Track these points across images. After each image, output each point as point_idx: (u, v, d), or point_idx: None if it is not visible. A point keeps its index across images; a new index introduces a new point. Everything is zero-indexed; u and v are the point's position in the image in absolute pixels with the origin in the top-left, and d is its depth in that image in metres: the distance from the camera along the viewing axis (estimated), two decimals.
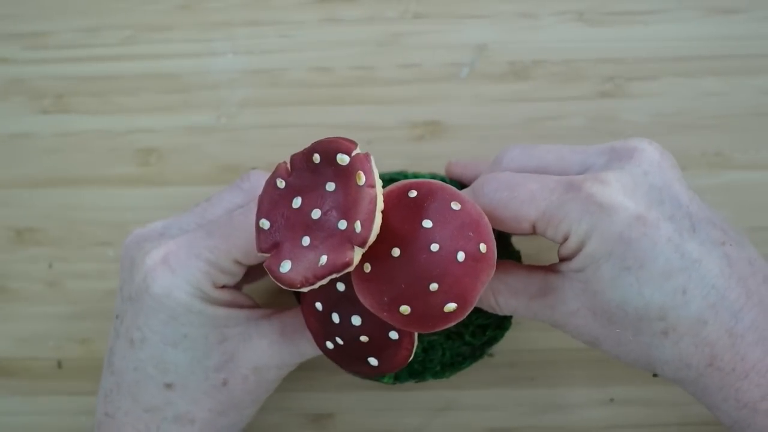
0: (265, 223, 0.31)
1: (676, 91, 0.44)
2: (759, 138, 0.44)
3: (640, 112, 0.44)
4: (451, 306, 0.30)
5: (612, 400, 0.43)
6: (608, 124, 0.44)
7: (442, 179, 0.41)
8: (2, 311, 0.45)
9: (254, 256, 0.33)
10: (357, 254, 0.29)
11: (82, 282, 0.45)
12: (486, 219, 0.31)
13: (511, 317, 0.39)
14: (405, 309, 0.30)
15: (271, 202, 0.31)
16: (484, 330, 0.39)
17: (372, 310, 0.30)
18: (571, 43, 0.45)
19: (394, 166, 0.44)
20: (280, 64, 0.45)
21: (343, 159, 0.30)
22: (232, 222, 0.34)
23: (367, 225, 0.29)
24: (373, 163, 0.30)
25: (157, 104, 0.45)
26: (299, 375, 0.43)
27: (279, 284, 0.29)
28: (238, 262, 0.34)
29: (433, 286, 0.30)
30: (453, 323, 0.30)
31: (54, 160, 0.45)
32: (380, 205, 0.29)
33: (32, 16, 0.46)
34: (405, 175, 0.41)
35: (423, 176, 0.41)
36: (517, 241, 0.41)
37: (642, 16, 0.45)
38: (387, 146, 0.44)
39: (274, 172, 0.31)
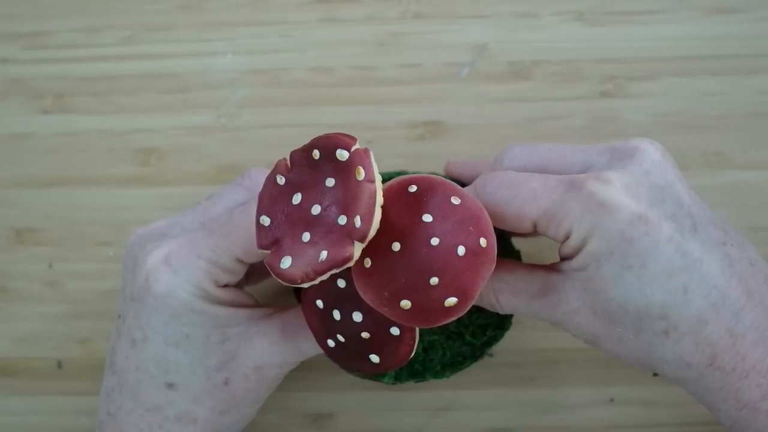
0: (266, 220, 0.31)
1: (676, 91, 0.44)
2: (759, 138, 0.44)
3: (640, 112, 0.44)
4: (451, 300, 0.30)
5: (612, 400, 0.43)
6: (608, 124, 0.44)
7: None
8: (2, 311, 0.45)
9: (255, 254, 0.33)
10: (357, 249, 0.29)
11: (82, 282, 0.45)
12: (486, 214, 0.31)
13: (511, 317, 0.39)
14: (405, 303, 0.30)
15: (271, 198, 0.31)
16: (485, 330, 0.39)
17: (372, 305, 0.30)
18: (571, 43, 0.45)
19: (394, 166, 0.44)
20: (280, 64, 0.45)
21: (342, 154, 0.30)
22: (232, 220, 0.34)
23: (367, 220, 0.29)
24: (372, 158, 0.30)
25: (157, 104, 0.45)
26: (299, 375, 0.43)
27: (279, 280, 0.29)
28: (239, 261, 0.34)
29: (434, 281, 0.30)
30: (454, 317, 0.30)
31: (54, 160, 0.45)
32: (380, 200, 0.29)
33: (32, 16, 0.46)
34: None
35: None
36: (517, 241, 0.41)
37: (642, 16, 0.45)
38: (387, 146, 0.44)
39: (274, 169, 0.31)
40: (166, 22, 0.46)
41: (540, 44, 0.45)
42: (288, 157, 0.31)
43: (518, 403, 0.43)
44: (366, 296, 0.30)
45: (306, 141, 0.31)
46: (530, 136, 0.44)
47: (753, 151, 0.44)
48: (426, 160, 0.44)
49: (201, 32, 0.46)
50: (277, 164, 0.31)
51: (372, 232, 0.29)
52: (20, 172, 0.45)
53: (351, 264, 0.29)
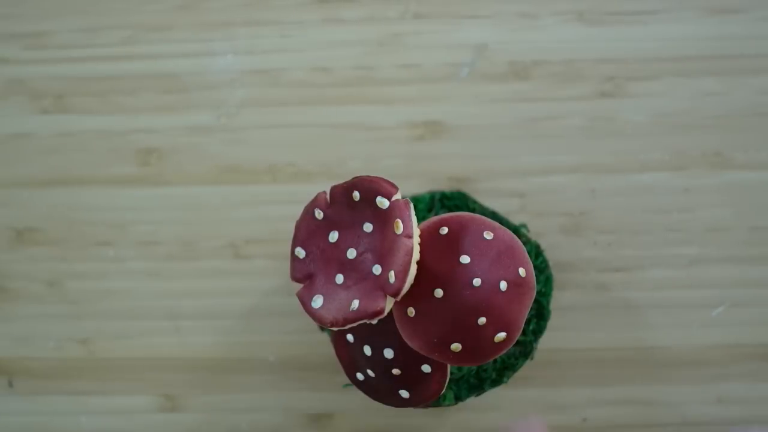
0: (301, 252, 0.31)
1: (676, 91, 0.44)
2: (759, 138, 0.44)
3: (640, 112, 0.44)
4: (501, 336, 0.30)
5: (613, 400, 0.43)
6: (608, 124, 0.44)
7: (442, 195, 0.41)
8: (2, 311, 0.45)
9: None
10: (389, 303, 0.29)
11: (82, 282, 0.45)
12: (519, 242, 0.31)
13: (548, 305, 0.39)
14: (456, 347, 0.30)
15: (308, 231, 0.31)
16: (528, 324, 0.39)
17: (422, 351, 0.31)
18: (571, 43, 0.45)
19: (394, 167, 0.44)
20: (280, 64, 0.45)
21: (382, 202, 0.30)
22: None
23: (401, 277, 0.29)
24: (412, 212, 0.30)
25: (157, 104, 0.45)
26: (299, 375, 0.43)
27: (309, 316, 0.30)
28: None
29: (482, 320, 0.30)
30: (504, 351, 0.30)
31: (54, 160, 0.45)
32: (416, 255, 0.30)
33: (32, 16, 0.46)
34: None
35: (423, 198, 0.41)
36: (547, 248, 0.41)
37: (642, 16, 0.45)
38: (387, 146, 0.44)
39: (313, 201, 0.31)
40: (166, 22, 0.46)
41: (540, 44, 0.45)
42: (328, 192, 0.31)
43: (518, 403, 0.43)
44: (414, 344, 0.31)
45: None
46: (530, 136, 0.44)
47: (753, 151, 0.44)
48: (426, 160, 0.44)
49: (201, 32, 0.46)
50: (316, 197, 0.31)
51: (405, 289, 0.29)
52: (20, 172, 0.45)
53: (382, 317, 0.29)
